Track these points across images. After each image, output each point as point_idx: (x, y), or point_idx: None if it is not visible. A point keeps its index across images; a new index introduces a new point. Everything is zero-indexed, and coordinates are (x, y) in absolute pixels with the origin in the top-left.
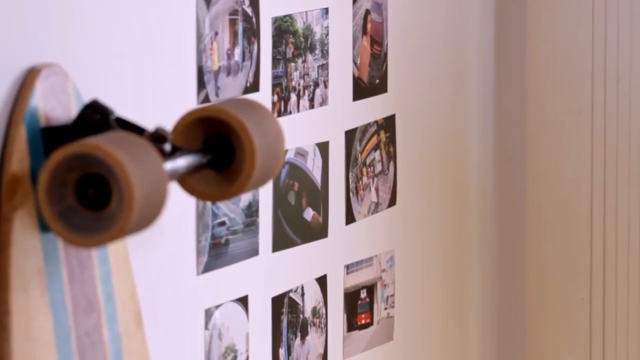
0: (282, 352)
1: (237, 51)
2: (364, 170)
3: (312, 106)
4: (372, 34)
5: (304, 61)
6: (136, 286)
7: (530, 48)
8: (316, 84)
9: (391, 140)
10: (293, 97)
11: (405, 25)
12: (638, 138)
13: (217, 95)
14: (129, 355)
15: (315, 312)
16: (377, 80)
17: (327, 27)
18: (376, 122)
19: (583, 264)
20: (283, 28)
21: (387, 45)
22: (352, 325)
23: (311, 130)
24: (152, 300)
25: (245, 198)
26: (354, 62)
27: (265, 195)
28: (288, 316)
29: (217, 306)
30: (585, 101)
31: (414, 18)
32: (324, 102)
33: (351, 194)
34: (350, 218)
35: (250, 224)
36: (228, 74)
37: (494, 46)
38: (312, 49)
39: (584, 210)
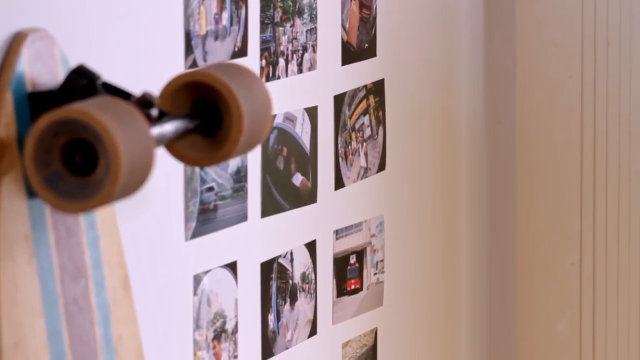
0: (271, 317)
1: (225, 15)
2: (353, 135)
3: (300, 71)
4: None
5: (292, 25)
6: (124, 252)
7: (519, 12)
8: (305, 49)
9: (380, 105)
10: (281, 61)
11: None
12: (628, 103)
13: (204, 60)
14: (117, 322)
15: (304, 277)
16: (366, 45)
17: None
18: (365, 86)
19: (573, 229)
20: None
21: (375, 9)
22: (341, 290)
23: (300, 95)
24: (141, 266)
25: (233, 163)
26: (343, 27)
27: (254, 160)
28: (277, 282)
29: (206, 272)
30: (575, 65)
31: None
32: (312, 67)
33: (340, 159)
34: (339, 183)
35: (238, 189)
36: (216, 38)
37: (483, 10)
38: (300, 13)
39: (574, 174)
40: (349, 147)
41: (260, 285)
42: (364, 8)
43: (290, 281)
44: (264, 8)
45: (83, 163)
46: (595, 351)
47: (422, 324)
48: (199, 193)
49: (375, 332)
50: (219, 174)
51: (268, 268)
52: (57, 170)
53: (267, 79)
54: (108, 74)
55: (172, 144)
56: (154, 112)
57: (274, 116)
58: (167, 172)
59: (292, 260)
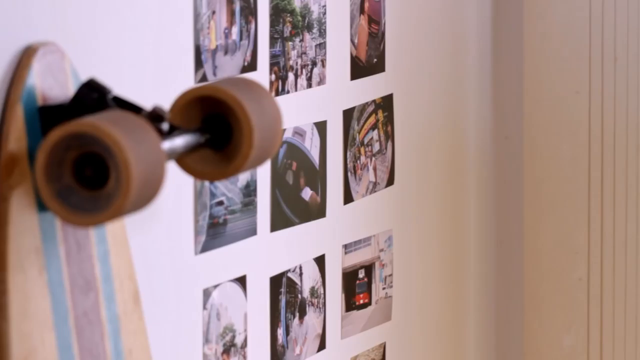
0: (280, 332)
1: (235, 30)
2: (362, 149)
3: (309, 85)
4: (369, 13)
5: (302, 40)
6: (134, 266)
7: (527, 27)
8: (314, 63)
9: (389, 120)
10: (291, 76)
11: (403, 4)
12: (635, 118)
13: (214, 74)
14: (127, 335)
15: (313, 292)
16: (375, 60)
17: (324, 5)
18: (374, 101)
19: (580, 244)
20: (280, 7)
21: (384, 24)
22: (350, 305)
23: (309, 110)
24: (150, 280)
25: (243, 178)
26: (352, 41)
27: (263, 174)
28: (286, 296)
29: (215, 286)
30: (582, 81)
31: None
32: (321, 82)
33: (349, 174)
34: (348, 198)
35: (248, 203)
36: (225, 53)
37: (491, 24)
38: (309, 27)
39: (581, 190)
40: (358, 161)
41: (269, 300)
42: (372, 23)
43: (300, 295)
44: (273, 23)
45: (94, 177)
46: None
47: (430, 339)
48: (208, 207)
49: (383, 347)
50: (228, 188)
51: (277, 282)
52: (68, 184)
53: (277, 94)
54: (118, 88)
55: (183, 158)
56: (165, 126)
57: (284, 130)
58: (177, 186)
59: (301, 274)
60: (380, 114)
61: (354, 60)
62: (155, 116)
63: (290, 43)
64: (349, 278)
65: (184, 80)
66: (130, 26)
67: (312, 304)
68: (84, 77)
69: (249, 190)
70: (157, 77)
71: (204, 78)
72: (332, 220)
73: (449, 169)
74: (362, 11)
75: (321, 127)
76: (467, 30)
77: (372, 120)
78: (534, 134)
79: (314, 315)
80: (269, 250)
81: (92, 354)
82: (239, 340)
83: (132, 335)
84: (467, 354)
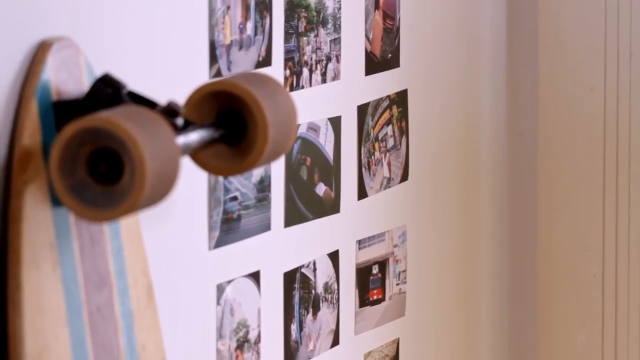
0: (294, 327)
1: (249, 25)
2: (376, 145)
3: (324, 81)
4: (384, 8)
5: (316, 35)
6: (148, 261)
7: (542, 23)
8: (328, 59)
9: (403, 115)
10: (305, 71)
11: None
12: None
13: (229, 69)
14: (141, 330)
15: (327, 287)
16: (390, 55)
17: (339, 1)
18: (388, 96)
19: (595, 240)
20: (295, 2)
21: (399, 19)
22: (364, 301)
23: (323, 105)
24: (164, 275)
25: (257, 173)
26: (367, 37)
27: (277, 170)
28: (300, 292)
29: (229, 281)
30: (597, 77)
31: None
32: (336, 77)
33: (363, 169)
34: (362, 193)
35: (262, 199)
36: (240, 48)
37: (506, 20)
38: (324, 23)
39: (596, 187)
40: (372, 157)
41: (283, 295)
42: (387, 19)
43: (313, 291)
44: (288, 18)
45: (108, 172)
46: None
47: (443, 335)
48: (222, 202)
49: (397, 343)
50: (242, 184)
51: (291, 278)
52: (82, 179)
53: (291, 89)
54: (132, 83)
55: (197, 153)
56: (179, 121)
57: (298, 126)
58: (191, 182)
59: (314, 270)
60: (395, 110)
61: (369, 56)
62: (169, 111)
63: (305, 38)
64: (363, 274)
65: (199, 75)
66: (145, 21)
67: (326, 300)
68: (98, 72)
69: (263, 186)
70: (171, 72)
71: (218, 73)
72: (346, 216)
73: (463, 165)
74: (376, 7)
75: (335, 122)
76: (482, 26)
77: (386, 115)
78: (549, 130)
79: (328, 311)
80: (283, 246)
81: (106, 350)
82: (252, 336)
83: (145, 330)
84: (480, 351)
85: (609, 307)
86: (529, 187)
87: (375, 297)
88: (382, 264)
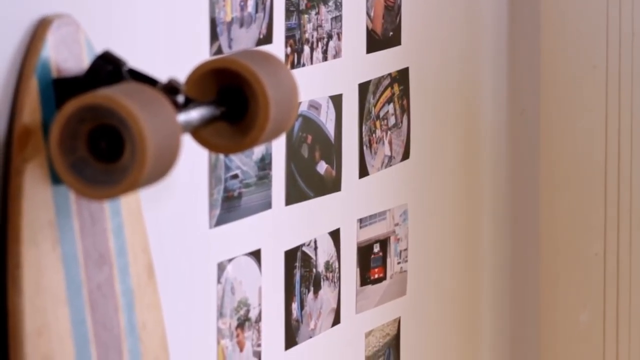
0: (294, 306)
1: (250, 3)
2: (378, 123)
3: (325, 58)
4: None
5: (318, 13)
6: (148, 239)
7: (544, 1)
8: (329, 36)
9: (405, 93)
10: (306, 49)
11: None
12: None
13: (230, 47)
14: (141, 308)
15: (328, 266)
16: (391, 33)
17: None
18: (390, 74)
19: (597, 219)
20: None
21: None
22: (365, 279)
23: (324, 83)
24: (165, 253)
25: (258, 151)
26: (368, 15)
27: (279, 148)
28: (301, 270)
29: (230, 260)
30: (599, 55)
31: None
32: (337, 55)
33: (364, 147)
34: (363, 171)
35: (263, 177)
36: (241, 25)
37: None
38: (325, 1)
39: (598, 165)
40: (374, 135)
41: (284, 274)
42: None
43: (314, 270)
44: None
45: (109, 149)
46: (619, 342)
47: (444, 314)
48: (223, 180)
49: (398, 322)
50: (243, 162)
51: (292, 256)
52: (83, 157)
53: (292, 67)
54: (133, 61)
55: (198, 131)
56: (180, 98)
57: (299, 104)
58: (192, 160)
59: (316, 248)
60: (396, 88)
61: (370, 34)
62: (170, 89)
63: (306, 16)
64: (364, 252)
65: (199, 52)
66: None
67: (327, 279)
68: (98, 50)
69: (264, 164)
70: (172, 50)
71: (219, 51)
72: (347, 194)
73: (465, 143)
74: None
75: (337, 100)
76: (484, 4)
77: (387, 93)
78: (551, 108)
79: (329, 290)
80: (284, 224)
81: (106, 328)
82: (253, 315)
83: (146, 308)
84: (481, 330)
85: (610, 286)
86: (530, 165)
87: (376, 276)
88: (384, 243)
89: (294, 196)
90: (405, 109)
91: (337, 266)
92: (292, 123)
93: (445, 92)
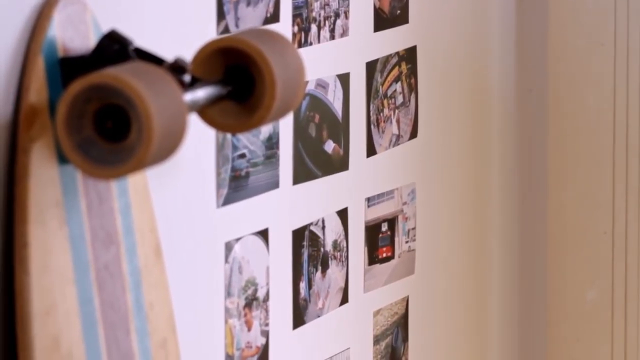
0: (302, 285)
1: None
2: (385, 102)
3: (332, 37)
4: None
5: None
6: (156, 219)
7: None
8: (337, 15)
9: (412, 72)
10: (313, 28)
11: None
12: None
13: (237, 26)
14: (149, 288)
15: (336, 245)
16: (398, 11)
17: None
18: (397, 53)
19: (605, 198)
20: None
21: None
22: (373, 258)
23: (332, 62)
24: (172, 233)
25: (265, 130)
26: None
27: (286, 127)
28: (309, 249)
29: (237, 239)
30: (607, 32)
31: None
32: (344, 33)
33: (372, 126)
34: (371, 150)
35: (270, 156)
36: (248, 4)
37: None
38: None
39: (606, 143)
40: (381, 114)
41: (291, 253)
42: None
43: (322, 249)
44: None
45: (115, 129)
46: (627, 320)
47: (453, 292)
48: (230, 160)
49: (406, 301)
50: (250, 141)
51: (300, 236)
52: (89, 136)
53: (299, 46)
54: (139, 40)
55: (205, 110)
56: (187, 78)
57: (306, 83)
58: (199, 139)
59: (323, 227)
60: (404, 66)
61: (377, 12)
62: (177, 68)
63: None
64: (372, 231)
65: (206, 31)
66: None
67: (335, 258)
68: (104, 29)
69: (272, 143)
70: (178, 29)
71: (226, 30)
72: (355, 173)
73: (473, 122)
74: None
75: (344, 79)
76: None
77: (395, 72)
78: (559, 86)
79: (337, 269)
80: (291, 204)
81: (113, 307)
82: (261, 294)
83: (153, 288)
84: (489, 308)
85: (618, 265)
86: (539, 143)
87: (384, 255)
88: (391, 222)
89: (301, 175)
90: (413, 88)
91: (344, 245)
92: (299, 102)
93: (453, 70)
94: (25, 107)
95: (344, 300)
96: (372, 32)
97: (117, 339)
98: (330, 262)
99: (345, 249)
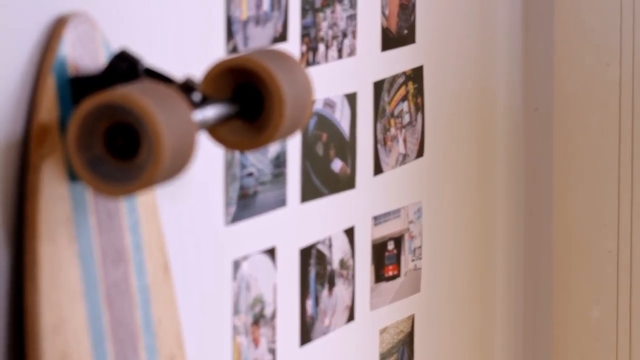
0: (309, 303)
1: (266, 1)
2: (392, 121)
3: (340, 57)
4: None
5: (333, 11)
6: (164, 236)
7: None
8: (344, 35)
9: (419, 92)
10: (321, 47)
11: None
12: None
13: (245, 45)
14: (157, 305)
15: (342, 263)
16: (406, 31)
17: None
18: (404, 73)
19: (610, 216)
20: None
21: None
22: (379, 276)
23: (339, 81)
24: (180, 250)
25: (273, 149)
26: (383, 13)
27: (294, 146)
28: (316, 267)
29: (245, 257)
30: (613, 52)
31: None
32: (352, 53)
33: (379, 145)
34: (378, 169)
35: (278, 174)
36: (257, 23)
37: None
38: None
39: (611, 162)
40: (388, 133)
41: (299, 271)
42: None
43: (329, 267)
44: None
45: (125, 147)
46: (632, 338)
47: (458, 311)
48: (238, 178)
49: (412, 319)
50: (258, 159)
51: (307, 254)
52: (99, 154)
53: (307, 65)
54: (149, 59)
55: (214, 129)
56: (196, 96)
57: (314, 102)
58: (208, 157)
59: (330, 246)
60: (411, 86)
61: (385, 32)
62: (186, 87)
63: (321, 14)
64: (378, 250)
65: (215, 51)
66: None
67: (342, 276)
68: (114, 48)
69: (279, 162)
70: (187, 48)
71: (234, 49)
72: (362, 192)
73: (479, 141)
74: None
75: (351, 98)
76: (498, 2)
77: (402, 91)
78: (564, 105)
79: (343, 287)
80: (299, 222)
81: (122, 324)
82: (268, 312)
83: (162, 305)
84: (495, 326)
85: (623, 283)
86: (544, 162)
87: (390, 273)
88: (398, 240)
89: (308, 194)
90: (420, 107)
91: (351, 263)
92: (307, 121)
93: (460, 90)
94: (36, 125)
95: (351, 318)
96: (379, 52)
97: (126, 356)
98: (337, 280)
99: (351, 267)
